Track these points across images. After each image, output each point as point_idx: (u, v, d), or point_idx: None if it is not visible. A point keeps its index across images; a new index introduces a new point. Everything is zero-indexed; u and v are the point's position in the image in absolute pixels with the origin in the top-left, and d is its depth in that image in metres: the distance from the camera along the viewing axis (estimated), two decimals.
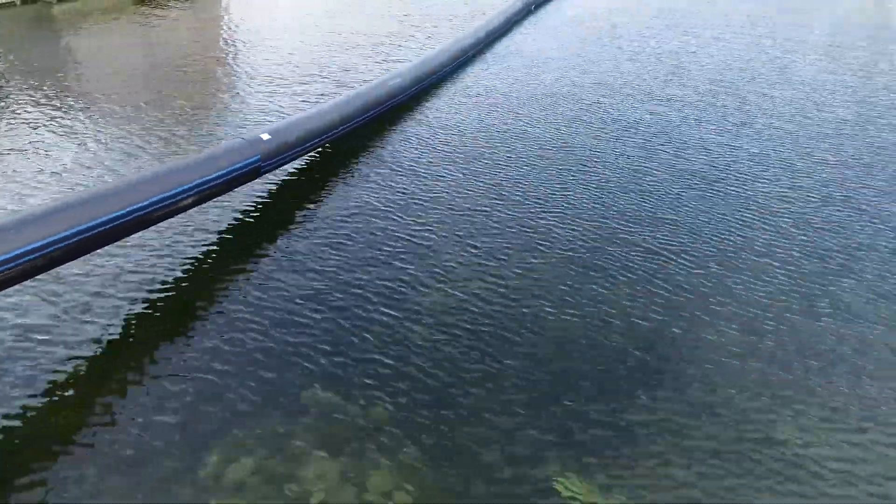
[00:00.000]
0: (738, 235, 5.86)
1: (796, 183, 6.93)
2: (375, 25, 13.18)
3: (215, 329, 4.48)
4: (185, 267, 5.14)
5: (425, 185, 6.59)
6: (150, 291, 4.83)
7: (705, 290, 5.08)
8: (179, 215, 5.41)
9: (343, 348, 4.36)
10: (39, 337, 4.34)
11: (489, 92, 9.45)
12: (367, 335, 4.48)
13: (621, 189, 6.64)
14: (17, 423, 3.73)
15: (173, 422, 3.76)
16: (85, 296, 4.74)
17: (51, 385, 3.98)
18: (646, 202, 6.39)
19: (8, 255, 4.01)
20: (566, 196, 6.46)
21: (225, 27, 12.88)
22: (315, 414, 3.85)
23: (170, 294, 4.84)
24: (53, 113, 8.09)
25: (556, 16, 14.70)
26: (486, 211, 6.11)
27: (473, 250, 5.47)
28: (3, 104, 8.32)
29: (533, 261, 5.37)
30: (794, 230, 5.98)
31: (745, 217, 6.18)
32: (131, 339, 4.38)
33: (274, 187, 6.45)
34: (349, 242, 5.54)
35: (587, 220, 6.01)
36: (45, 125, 7.70)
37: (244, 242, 5.54)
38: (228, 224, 5.76)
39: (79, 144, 7.19)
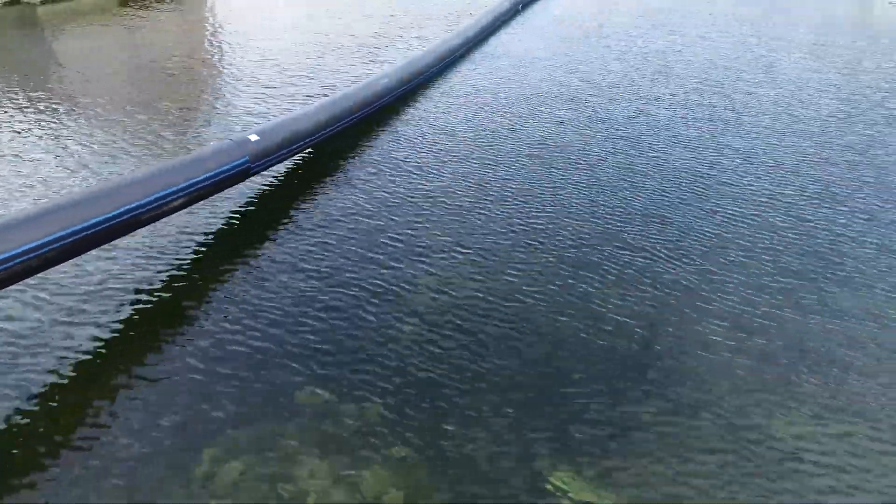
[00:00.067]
0: (727, 233, 5.89)
1: (783, 180, 6.98)
2: (361, 26, 13.16)
3: (206, 331, 4.45)
4: (174, 269, 5.10)
5: (415, 185, 6.58)
6: (140, 294, 4.80)
7: (694, 288, 5.10)
8: (167, 217, 5.38)
9: (335, 349, 4.34)
10: (26, 343, 4.29)
11: (477, 92, 9.46)
12: (359, 335, 4.47)
13: (610, 187, 6.67)
14: (4, 426, 3.68)
15: (166, 424, 3.73)
16: (72, 300, 4.69)
17: (41, 390, 3.94)
18: (635, 200, 6.42)
19: None
20: (555, 195, 6.47)
21: (210, 29, 12.81)
22: (308, 414, 3.83)
23: (159, 297, 4.80)
24: (37, 116, 8.01)
25: (542, 15, 14.74)
26: (475, 210, 6.12)
27: (464, 249, 5.47)
28: None
29: (523, 260, 5.38)
30: (781, 227, 6.03)
31: (734, 214, 6.22)
32: (121, 343, 4.34)
33: (263, 188, 6.43)
34: (339, 243, 5.52)
35: (577, 219, 6.03)
36: (28, 129, 7.63)
37: (234, 244, 5.51)
38: (218, 226, 5.73)
39: (62, 148, 7.12)
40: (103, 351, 4.27)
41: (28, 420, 3.75)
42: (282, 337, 4.43)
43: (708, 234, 5.85)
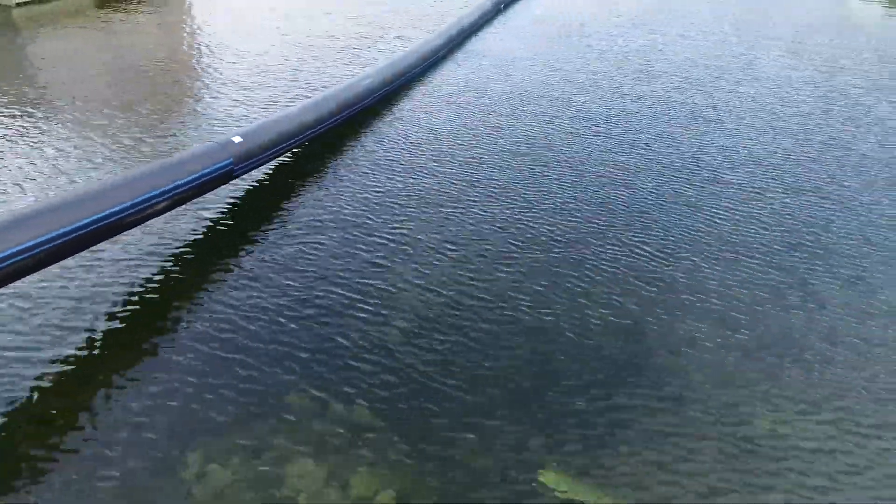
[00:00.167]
0: (711, 229, 5.94)
1: (766, 176, 7.05)
2: (342, 28, 13.11)
3: (194, 335, 4.41)
4: (160, 273, 5.05)
5: (400, 185, 6.57)
6: (127, 298, 4.74)
7: (679, 284, 5.14)
8: (150, 221, 5.32)
9: (324, 350, 4.32)
10: (14, 350, 4.23)
11: (460, 91, 9.46)
12: (348, 336, 4.45)
13: (594, 186, 6.69)
14: None
15: (156, 427, 3.70)
16: (60, 306, 4.63)
17: (30, 395, 3.89)
18: (619, 198, 6.45)
19: None
20: (540, 193, 6.49)
21: (190, 31, 12.70)
22: (298, 416, 3.81)
23: (146, 301, 4.75)
24: (11, 121, 7.88)
25: (524, 15, 14.77)
26: (461, 209, 6.11)
27: (450, 249, 5.47)
28: None
29: (510, 258, 5.38)
30: (764, 222, 6.09)
31: (717, 211, 6.27)
32: (109, 348, 4.29)
33: (247, 190, 6.38)
34: (325, 244, 5.49)
35: (561, 217, 6.04)
36: (2, 134, 7.50)
37: (218, 246, 5.46)
38: (202, 229, 5.68)
39: (38, 152, 7.01)
40: (92, 356, 4.22)
41: (18, 425, 3.70)
42: (270, 339, 4.40)
43: (692, 231, 5.89)
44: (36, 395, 3.91)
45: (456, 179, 6.73)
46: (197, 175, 5.37)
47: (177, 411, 3.82)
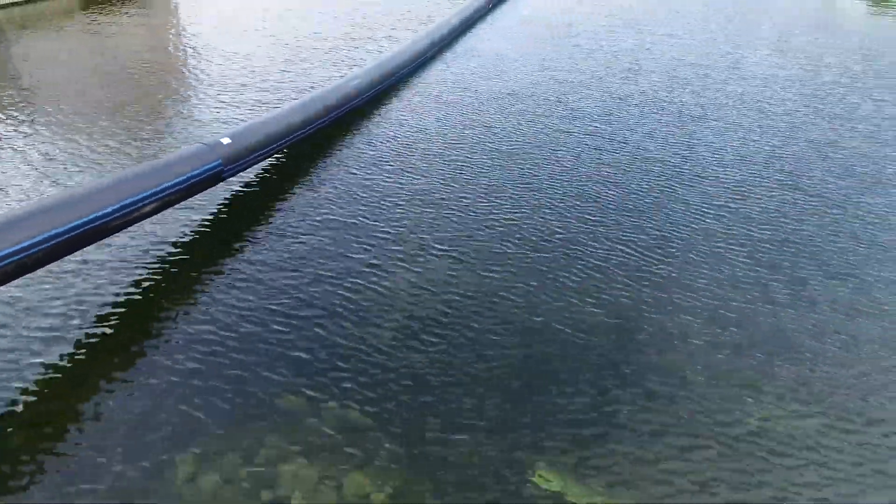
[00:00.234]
0: (700, 226, 5.97)
1: (754, 173, 7.09)
2: (329, 28, 13.08)
3: (185, 338, 4.38)
4: (150, 276, 5.01)
5: (389, 185, 6.55)
6: (117, 300, 4.70)
7: (670, 281, 5.16)
8: (139, 224, 5.27)
9: (315, 350, 4.30)
10: (5, 355, 4.18)
11: (449, 91, 9.46)
12: (339, 336, 4.43)
13: (584, 184, 6.70)
14: None
15: (148, 430, 3.67)
16: (50, 310, 4.58)
17: (24, 398, 3.85)
18: (609, 196, 6.47)
19: None
20: (530, 192, 6.49)
21: (177, 33, 12.63)
22: (291, 417, 3.79)
23: (135, 304, 4.71)
24: None
25: (512, 15, 14.80)
26: (451, 208, 6.10)
27: (441, 248, 5.46)
28: None
29: (500, 257, 5.38)
30: (753, 220, 6.12)
31: (706, 209, 6.30)
32: (100, 352, 4.25)
33: (236, 192, 6.34)
34: (315, 244, 5.47)
35: (551, 216, 6.05)
36: None
37: (208, 248, 5.42)
38: (191, 231, 5.64)
39: (21, 155, 6.94)
40: (84, 359, 4.18)
41: (12, 428, 3.67)
42: (262, 340, 4.38)
43: (682, 228, 5.92)
44: (28, 399, 3.87)
45: (445, 179, 6.73)
46: (186, 177, 5.34)
47: (171, 413, 3.79)
